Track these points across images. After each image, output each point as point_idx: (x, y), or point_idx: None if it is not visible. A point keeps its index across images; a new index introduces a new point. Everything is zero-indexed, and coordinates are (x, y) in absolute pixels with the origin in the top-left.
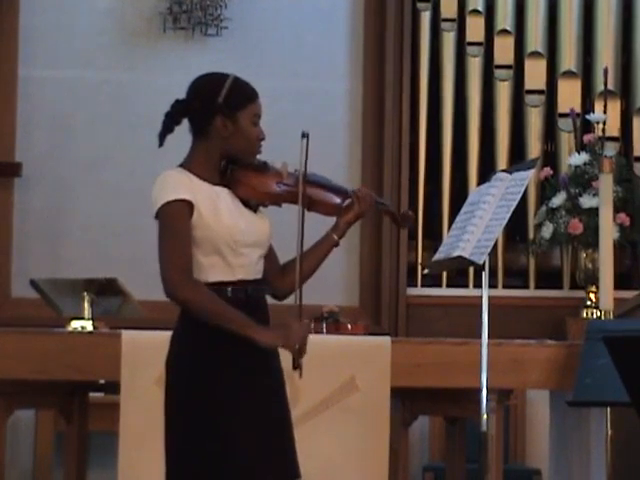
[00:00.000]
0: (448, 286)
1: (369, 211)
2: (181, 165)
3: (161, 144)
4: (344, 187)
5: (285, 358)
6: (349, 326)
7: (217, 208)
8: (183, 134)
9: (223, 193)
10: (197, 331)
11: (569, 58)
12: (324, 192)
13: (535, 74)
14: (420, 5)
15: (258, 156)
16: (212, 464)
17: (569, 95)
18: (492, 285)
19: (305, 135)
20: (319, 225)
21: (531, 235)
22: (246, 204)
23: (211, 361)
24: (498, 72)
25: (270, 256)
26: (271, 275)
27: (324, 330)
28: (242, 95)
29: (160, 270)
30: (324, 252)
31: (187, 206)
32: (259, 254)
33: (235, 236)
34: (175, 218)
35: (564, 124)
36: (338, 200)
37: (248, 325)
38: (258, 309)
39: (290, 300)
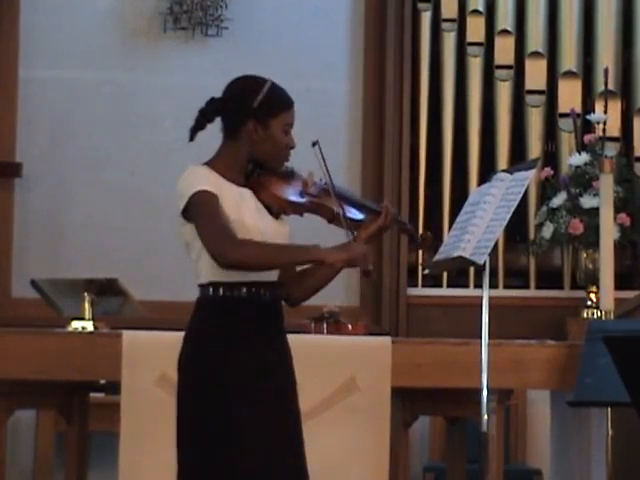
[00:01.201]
0: (448, 286)
1: (391, 226)
2: (207, 163)
3: (192, 139)
4: (371, 203)
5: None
6: (349, 326)
7: (240, 208)
8: (184, 134)
9: (247, 195)
10: (211, 331)
11: (569, 58)
12: (348, 207)
13: (535, 74)
14: (420, 5)
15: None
16: (225, 464)
17: (569, 95)
18: (492, 285)
19: (315, 143)
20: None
21: (531, 235)
22: (268, 209)
23: (225, 361)
24: (498, 72)
25: None
26: (287, 280)
27: (324, 330)
28: (277, 103)
29: (207, 249)
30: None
31: (215, 196)
32: None
33: (254, 238)
34: (207, 202)
35: (564, 124)
36: (360, 216)
37: (310, 251)
38: (272, 311)
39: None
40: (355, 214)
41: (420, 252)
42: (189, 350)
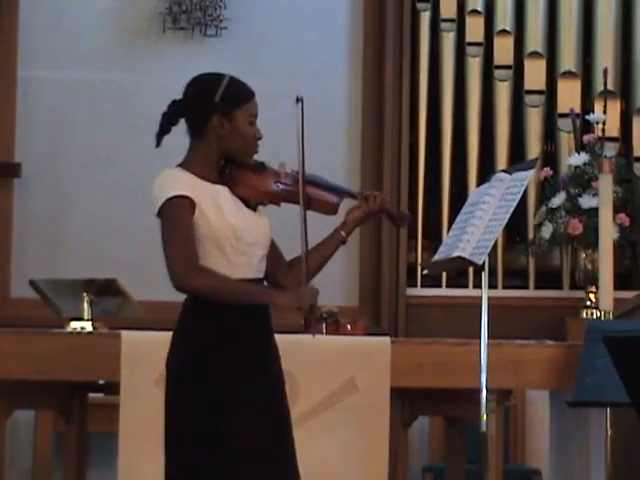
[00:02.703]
0: (448, 286)
1: (378, 211)
2: (180, 165)
3: (158, 144)
4: (345, 187)
5: (284, 357)
6: (349, 326)
7: (219, 206)
8: (183, 134)
9: (223, 191)
10: (198, 331)
11: (569, 58)
12: (321, 191)
13: (535, 74)
14: (420, 5)
15: (255, 156)
16: (211, 464)
17: (569, 95)
18: (492, 285)
19: (299, 99)
20: (323, 227)
21: (531, 235)
22: (245, 203)
23: (212, 361)
24: (498, 72)
25: (275, 253)
26: (277, 272)
27: (324, 330)
28: (238, 94)
29: (167, 266)
30: (331, 249)
31: (189, 202)
32: (260, 253)
33: (237, 233)
34: (177, 213)
35: (564, 124)
36: (334, 199)
37: (265, 293)
38: (260, 309)
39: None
40: (330, 198)
41: (419, 252)
42: (176, 350)
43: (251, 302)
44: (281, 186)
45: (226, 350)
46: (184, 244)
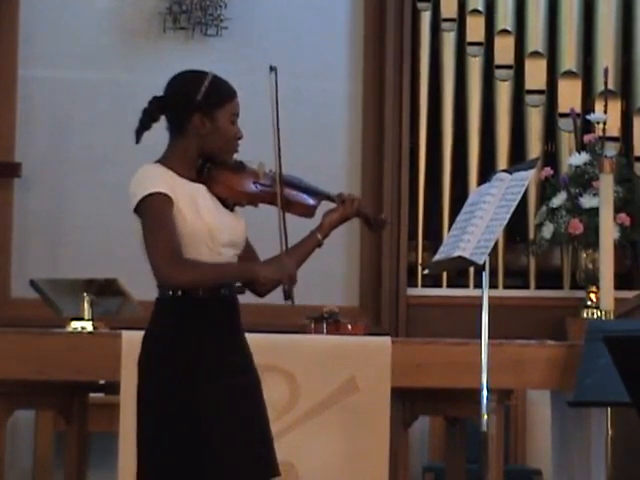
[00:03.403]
0: (448, 286)
1: (354, 215)
2: (159, 161)
3: (138, 141)
4: (323, 190)
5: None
6: (349, 326)
7: (197, 205)
8: None
9: (202, 190)
10: (167, 332)
11: (569, 58)
12: (299, 193)
13: (535, 74)
14: (420, 5)
15: (235, 155)
16: (182, 465)
17: (569, 95)
18: (492, 285)
19: (273, 69)
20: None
21: (531, 235)
22: (223, 203)
23: (181, 361)
24: (498, 72)
25: (249, 252)
26: None
27: (324, 330)
28: (221, 93)
29: (150, 262)
30: (307, 250)
31: (167, 199)
32: (234, 253)
33: (213, 233)
34: (157, 209)
35: (564, 124)
36: (312, 202)
37: (247, 269)
38: (231, 309)
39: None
40: (308, 200)
41: (420, 252)
42: (146, 350)
43: (237, 281)
44: (259, 187)
45: (195, 350)
46: (166, 240)
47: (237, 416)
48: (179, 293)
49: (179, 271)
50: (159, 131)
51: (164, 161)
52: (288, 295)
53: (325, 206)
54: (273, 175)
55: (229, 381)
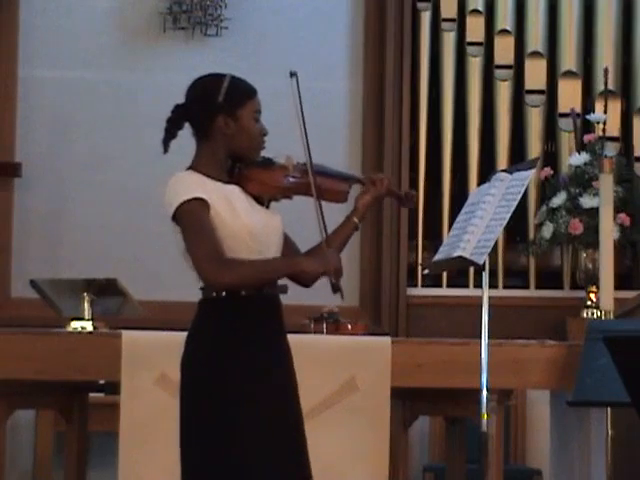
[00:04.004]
0: (448, 286)
1: (385, 194)
2: (190, 168)
3: (166, 150)
4: (352, 174)
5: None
6: (349, 326)
7: (233, 207)
8: (181, 136)
9: (236, 191)
10: (212, 331)
11: (569, 58)
12: (330, 180)
13: (535, 74)
14: (420, 5)
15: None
16: (227, 464)
17: (569, 95)
18: (492, 285)
19: (294, 74)
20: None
21: (531, 235)
22: (257, 200)
23: (226, 361)
24: (498, 72)
25: (288, 247)
26: None
27: (324, 330)
28: (241, 93)
29: (195, 267)
30: (346, 235)
31: (204, 204)
32: (274, 251)
33: (252, 232)
34: (195, 214)
35: (564, 124)
36: (344, 187)
37: (292, 263)
38: (272, 308)
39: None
40: (339, 186)
41: (420, 252)
42: (190, 351)
43: (282, 275)
44: (291, 179)
45: (240, 350)
46: (208, 242)
47: (279, 416)
48: (223, 294)
49: (224, 271)
50: (160, 131)
51: (195, 167)
52: (336, 288)
53: (355, 190)
54: (302, 166)
55: (272, 381)
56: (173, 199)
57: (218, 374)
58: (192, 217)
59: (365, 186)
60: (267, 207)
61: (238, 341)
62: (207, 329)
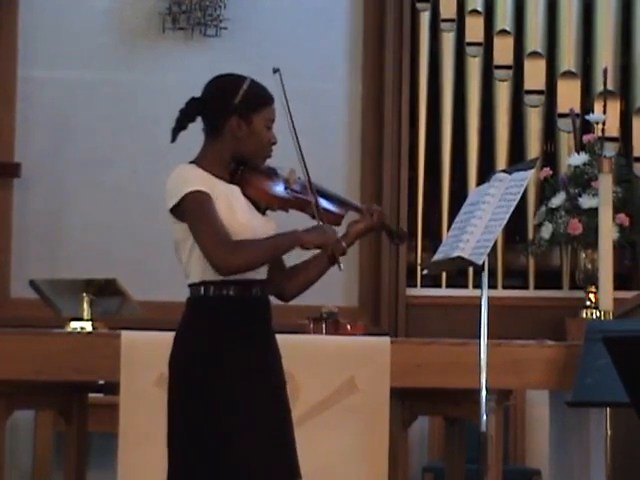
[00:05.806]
0: (448, 286)
1: (378, 227)
2: (193, 162)
3: (174, 140)
4: (350, 200)
5: (286, 355)
6: (348, 326)
7: (232, 205)
8: (183, 135)
9: (236, 191)
10: (198, 331)
11: (569, 58)
12: (327, 202)
13: (535, 74)
14: (419, 5)
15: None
16: (212, 464)
17: (569, 95)
18: (492, 285)
19: (276, 70)
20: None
21: (531, 235)
22: (254, 206)
23: (212, 360)
24: (497, 72)
25: (278, 260)
26: (278, 276)
27: (323, 330)
28: (258, 98)
29: (204, 253)
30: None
31: (208, 197)
32: None
33: (247, 234)
34: (200, 203)
35: (564, 124)
36: (340, 211)
37: (294, 237)
38: (262, 308)
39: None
40: (336, 209)
41: (419, 252)
42: (177, 350)
43: (286, 250)
44: (291, 193)
45: (226, 349)
46: (215, 227)
47: (265, 415)
48: (210, 292)
49: (233, 253)
50: (163, 131)
51: (199, 162)
52: (334, 260)
53: (349, 216)
54: (303, 182)
55: (260, 381)
56: (178, 189)
57: (204, 373)
58: (200, 206)
59: (361, 215)
60: (263, 214)
61: (225, 340)
62: (195, 328)
